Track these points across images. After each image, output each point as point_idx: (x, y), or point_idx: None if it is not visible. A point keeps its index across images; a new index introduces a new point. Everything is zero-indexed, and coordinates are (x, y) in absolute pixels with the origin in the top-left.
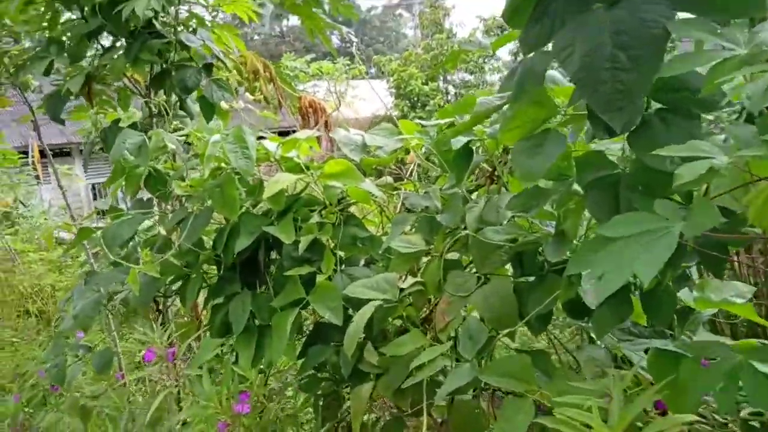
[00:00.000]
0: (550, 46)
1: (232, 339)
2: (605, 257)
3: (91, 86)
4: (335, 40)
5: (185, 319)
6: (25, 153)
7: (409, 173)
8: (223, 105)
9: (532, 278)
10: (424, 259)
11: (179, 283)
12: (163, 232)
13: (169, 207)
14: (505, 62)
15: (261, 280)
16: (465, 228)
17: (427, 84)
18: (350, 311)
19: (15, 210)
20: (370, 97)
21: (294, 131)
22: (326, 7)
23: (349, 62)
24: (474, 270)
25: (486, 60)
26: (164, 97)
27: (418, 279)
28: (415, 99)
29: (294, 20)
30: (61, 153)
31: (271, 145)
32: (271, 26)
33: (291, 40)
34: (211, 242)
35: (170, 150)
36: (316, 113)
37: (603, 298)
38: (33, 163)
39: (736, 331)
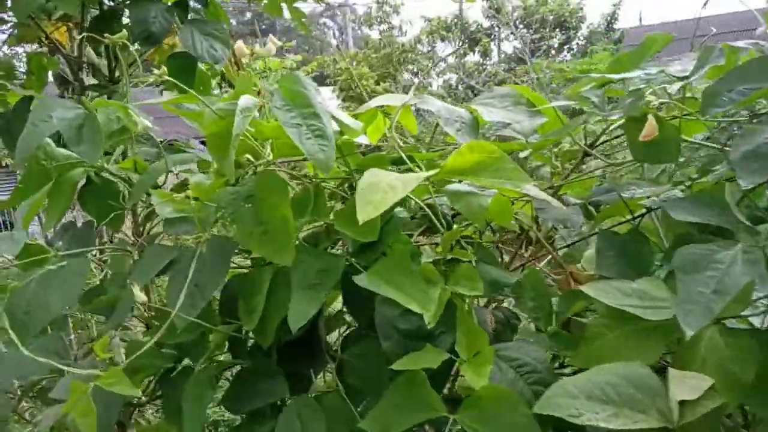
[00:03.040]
0: None
1: None
2: None
3: None
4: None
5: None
6: None
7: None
8: (245, 50)
9: None
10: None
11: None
12: (137, 293)
13: (125, 239)
14: (450, 65)
15: (316, 372)
16: None
17: (378, 84)
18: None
19: None
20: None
21: None
22: None
23: (299, 60)
24: None
25: (432, 64)
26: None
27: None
28: (367, 101)
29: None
30: None
31: (347, 118)
32: None
33: None
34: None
35: (135, 132)
36: None
37: None
38: None
39: None
